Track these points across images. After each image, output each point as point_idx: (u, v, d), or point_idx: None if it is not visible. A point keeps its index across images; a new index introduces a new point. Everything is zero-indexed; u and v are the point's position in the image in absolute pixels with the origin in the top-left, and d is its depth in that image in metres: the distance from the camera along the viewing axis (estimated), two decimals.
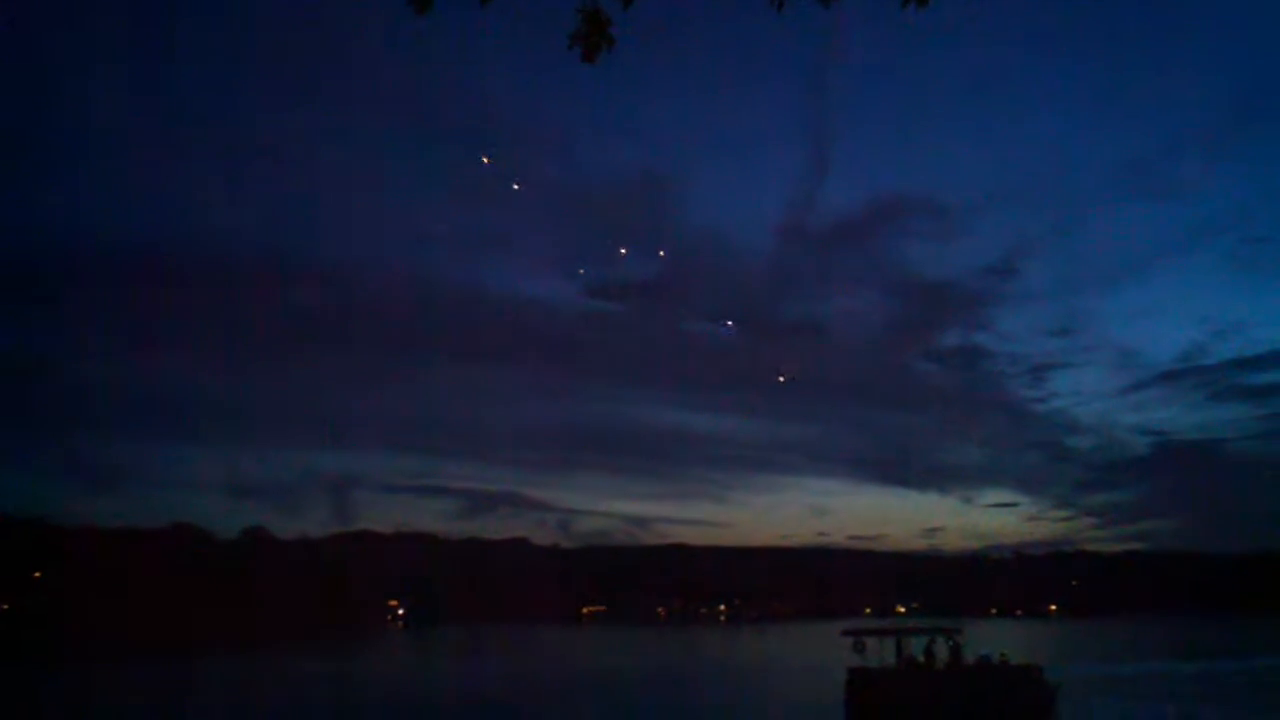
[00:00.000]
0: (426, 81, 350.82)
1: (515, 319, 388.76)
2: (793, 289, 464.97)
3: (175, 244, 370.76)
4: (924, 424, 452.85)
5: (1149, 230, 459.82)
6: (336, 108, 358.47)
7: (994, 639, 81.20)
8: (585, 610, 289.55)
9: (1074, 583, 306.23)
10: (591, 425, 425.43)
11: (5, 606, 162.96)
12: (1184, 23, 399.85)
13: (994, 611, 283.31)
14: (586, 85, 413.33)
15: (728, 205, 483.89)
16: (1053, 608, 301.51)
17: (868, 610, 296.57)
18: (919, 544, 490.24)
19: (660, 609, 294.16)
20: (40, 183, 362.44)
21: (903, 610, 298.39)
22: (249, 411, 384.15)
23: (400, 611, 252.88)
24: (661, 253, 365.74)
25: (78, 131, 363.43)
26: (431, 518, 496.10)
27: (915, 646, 45.88)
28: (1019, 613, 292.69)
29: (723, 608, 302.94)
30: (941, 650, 45.41)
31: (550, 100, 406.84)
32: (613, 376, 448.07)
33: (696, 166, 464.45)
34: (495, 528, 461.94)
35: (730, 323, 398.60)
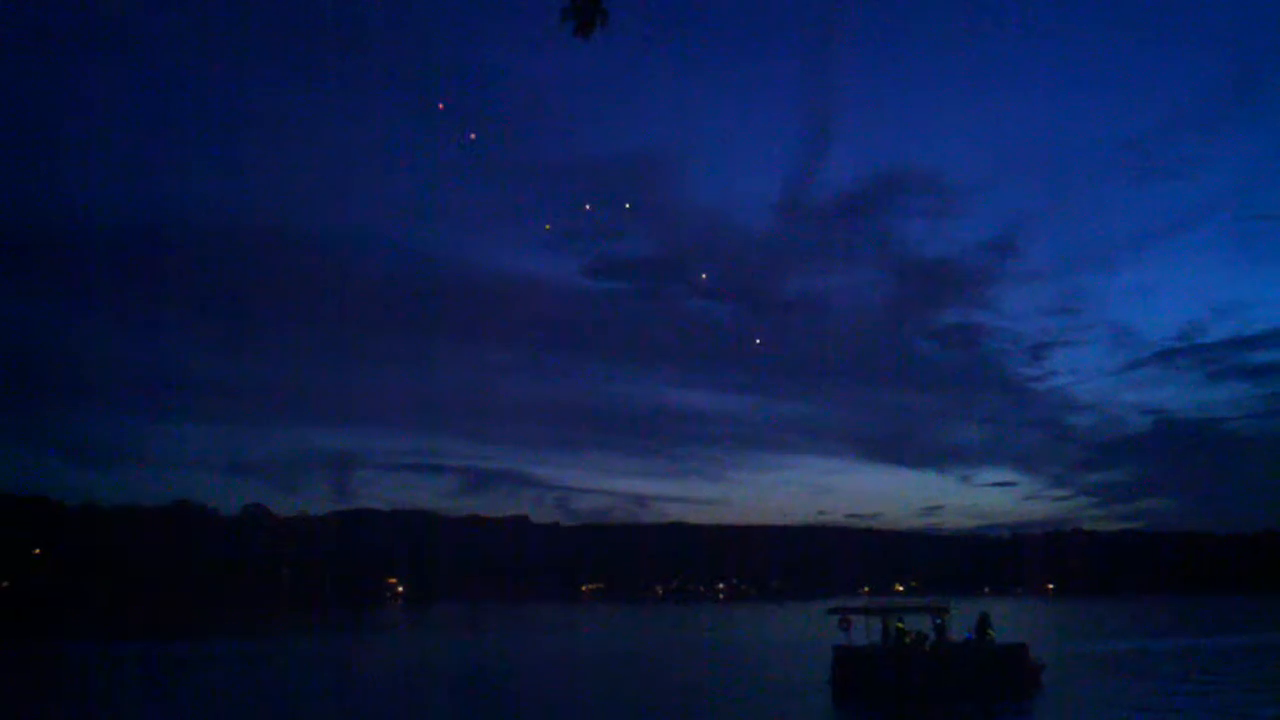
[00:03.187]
0: (425, 57, 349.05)
1: (514, 296, 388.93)
2: (792, 266, 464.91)
3: (176, 219, 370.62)
4: (923, 402, 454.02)
5: (1148, 208, 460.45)
6: (336, 82, 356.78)
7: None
8: (584, 588, 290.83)
9: (1072, 562, 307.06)
10: (591, 403, 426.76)
11: (6, 584, 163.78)
12: None
13: (987, 591, 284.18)
14: (585, 62, 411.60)
15: (727, 182, 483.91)
16: (1050, 586, 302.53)
17: (866, 589, 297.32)
18: (917, 523, 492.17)
19: (658, 587, 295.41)
20: (40, 157, 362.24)
21: (901, 589, 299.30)
22: (249, 389, 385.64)
23: (400, 589, 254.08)
24: (628, 205, 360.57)
25: (77, 105, 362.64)
26: (430, 495, 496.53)
27: (922, 626, 46.05)
28: (1019, 591, 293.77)
29: (721, 586, 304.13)
30: (927, 629, 45.66)
31: (549, 77, 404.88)
32: (612, 354, 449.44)
33: (696, 143, 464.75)
34: (494, 505, 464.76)
35: (705, 275, 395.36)
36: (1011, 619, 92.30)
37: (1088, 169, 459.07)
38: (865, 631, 46.97)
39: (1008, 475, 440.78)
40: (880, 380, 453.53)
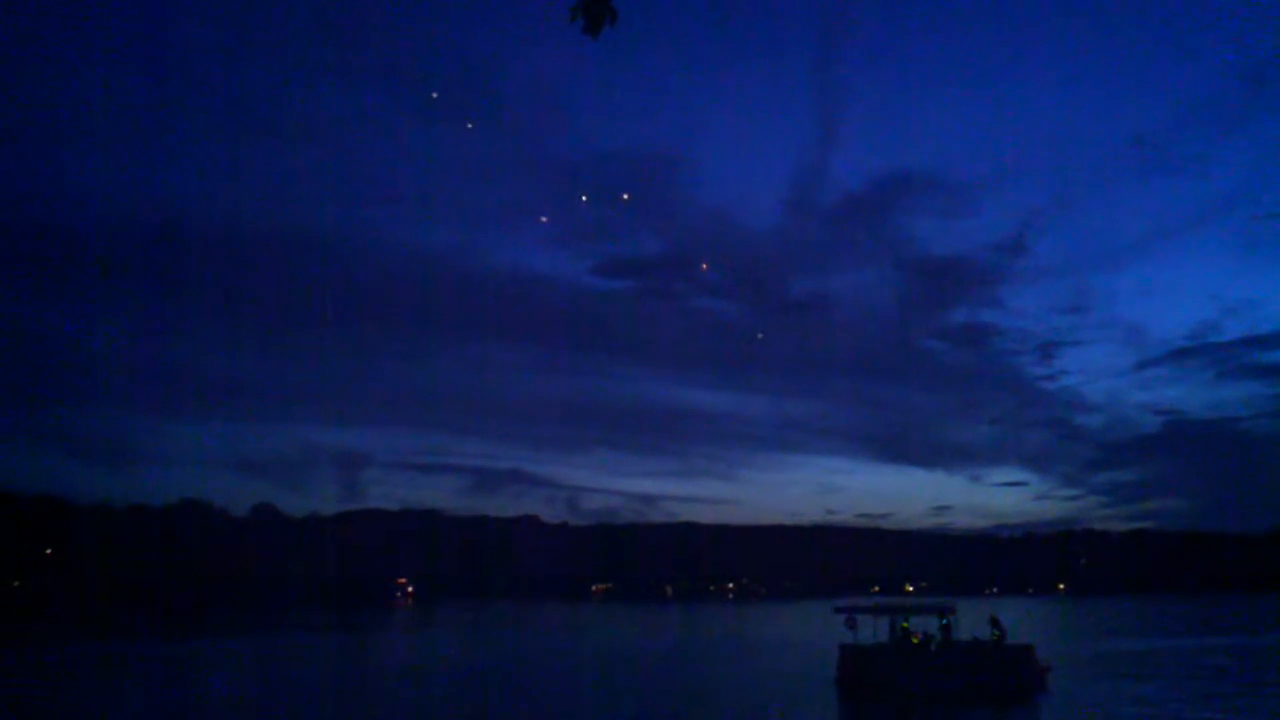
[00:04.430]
0: (431, 56, 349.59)
1: (523, 295, 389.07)
2: (800, 265, 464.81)
3: (183, 218, 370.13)
4: (932, 402, 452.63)
5: (1158, 206, 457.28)
6: (341, 82, 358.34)
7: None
8: (593, 588, 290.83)
9: (1082, 562, 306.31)
10: (599, 403, 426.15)
11: (17, 583, 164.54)
12: None
13: (994, 591, 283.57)
14: (593, 60, 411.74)
15: (734, 180, 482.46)
16: (1061, 586, 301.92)
17: (876, 588, 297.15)
18: (927, 522, 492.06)
19: (667, 586, 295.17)
20: (49, 158, 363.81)
21: (911, 589, 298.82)
22: (257, 388, 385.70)
23: (409, 589, 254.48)
24: (626, 196, 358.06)
25: (86, 106, 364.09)
26: (439, 495, 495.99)
27: (929, 626, 45.99)
28: (1030, 591, 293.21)
29: (730, 585, 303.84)
30: (934, 629, 45.59)
31: (556, 75, 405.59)
32: (620, 353, 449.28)
33: (703, 141, 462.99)
34: (503, 505, 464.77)
35: (705, 265, 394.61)
36: (1021, 619, 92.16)
37: (1096, 167, 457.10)
38: (873, 631, 47.02)
39: (1018, 475, 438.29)
40: (889, 379, 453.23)
